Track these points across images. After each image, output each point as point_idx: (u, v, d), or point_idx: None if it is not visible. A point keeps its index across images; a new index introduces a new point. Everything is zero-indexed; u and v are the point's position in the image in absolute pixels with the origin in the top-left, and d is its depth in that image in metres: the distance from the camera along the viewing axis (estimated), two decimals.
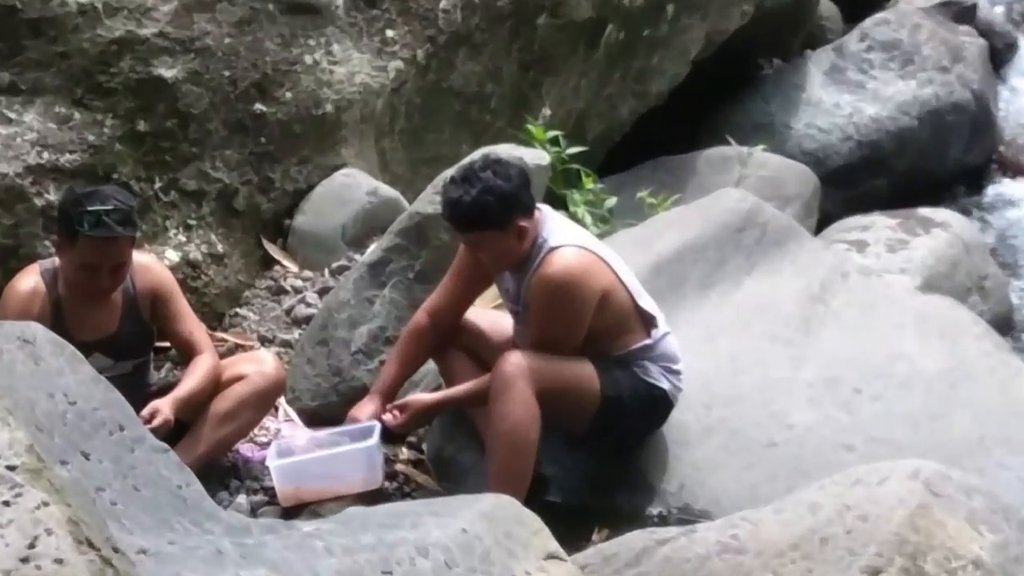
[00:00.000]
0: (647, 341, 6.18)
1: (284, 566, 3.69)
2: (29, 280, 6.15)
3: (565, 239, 6.05)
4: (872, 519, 4.78)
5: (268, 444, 6.48)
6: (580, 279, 5.97)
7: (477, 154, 6.62)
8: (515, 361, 5.89)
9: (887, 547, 4.70)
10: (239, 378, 6.30)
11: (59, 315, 6.04)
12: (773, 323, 7.16)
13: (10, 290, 6.19)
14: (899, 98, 10.70)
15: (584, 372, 6.06)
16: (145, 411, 5.68)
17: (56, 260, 6.19)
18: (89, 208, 5.86)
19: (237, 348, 7.27)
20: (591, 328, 6.03)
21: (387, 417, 6.16)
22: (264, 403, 6.46)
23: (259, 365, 6.42)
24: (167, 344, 6.64)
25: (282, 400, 6.79)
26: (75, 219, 5.88)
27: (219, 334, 7.44)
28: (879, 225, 9.52)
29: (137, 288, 6.23)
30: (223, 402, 6.25)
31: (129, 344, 6.29)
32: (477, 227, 5.96)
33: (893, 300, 7.63)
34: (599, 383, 6.05)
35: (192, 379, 6.18)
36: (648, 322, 6.19)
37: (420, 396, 6.33)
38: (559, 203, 7.73)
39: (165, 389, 6.22)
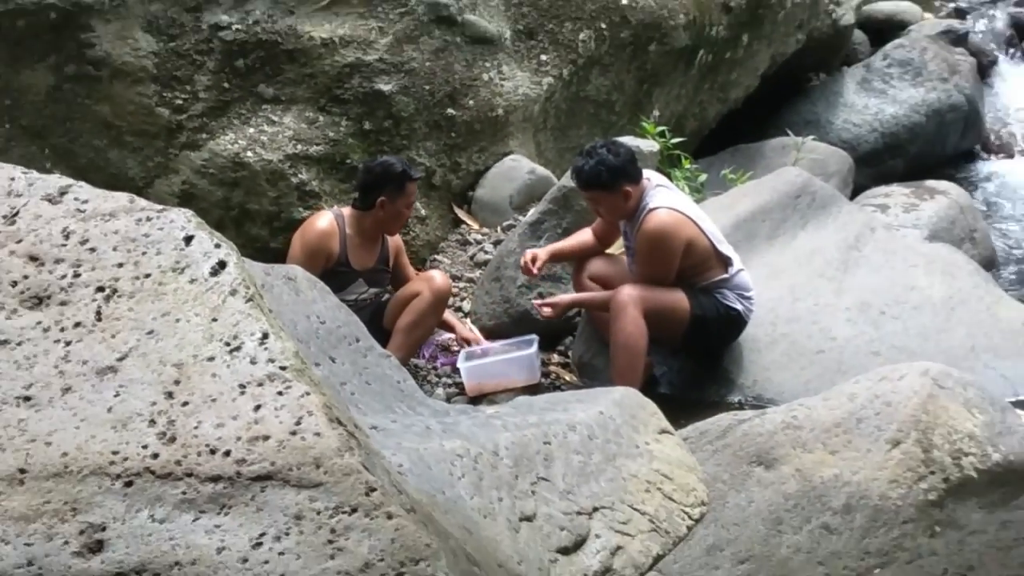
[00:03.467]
0: (724, 275, 7.41)
1: (473, 438, 4.01)
2: (325, 219, 7.69)
3: (661, 202, 7.26)
4: (894, 405, 5.60)
5: (459, 352, 7.84)
6: (669, 233, 7.21)
7: (599, 142, 7.64)
8: (627, 291, 7.12)
9: (905, 425, 5.52)
10: (415, 295, 7.52)
11: (343, 248, 7.54)
12: (820, 264, 8.29)
13: (309, 225, 7.72)
14: (911, 101, 11.82)
15: (677, 298, 7.28)
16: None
17: (340, 210, 7.83)
18: (409, 170, 7.67)
19: None
20: (681, 266, 7.27)
21: (545, 311, 7.57)
22: (437, 309, 7.66)
23: (428, 282, 7.60)
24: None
25: (467, 321, 8.14)
26: (406, 173, 7.62)
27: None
28: (897, 193, 10.40)
29: (387, 245, 7.79)
30: (407, 316, 7.50)
31: (377, 277, 7.79)
32: (591, 188, 7.34)
33: (908, 247, 8.73)
34: (689, 305, 7.32)
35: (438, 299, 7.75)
36: (726, 262, 7.42)
37: (564, 296, 7.67)
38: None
39: (390, 306, 7.77)
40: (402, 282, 7.82)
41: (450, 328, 7.86)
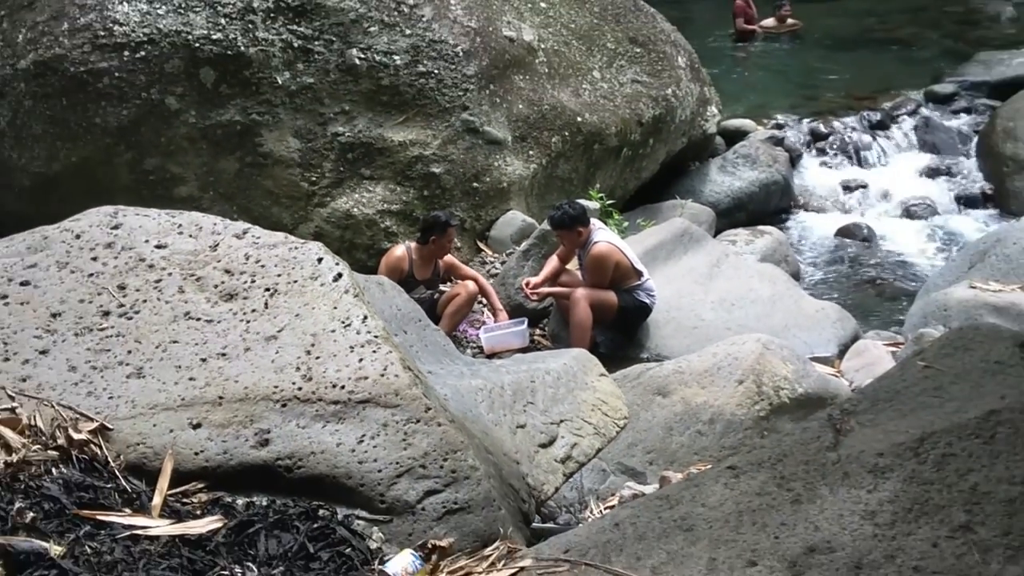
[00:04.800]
0: (638, 282, 7.32)
1: (488, 377, 4.06)
2: (399, 250, 7.72)
3: (601, 238, 7.28)
4: (740, 359, 5.61)
5: (481, 326, 7.79)
6: (605, 257, 7.20)
7: (564, 201, 7.75)
8: (580, 292, 7.17)
9: (746, 371, 5.55)
10: (457, 295, 7.59)
11: (410, 267, 7.57)
12: (695, 276, 8.11)
13: (390, 254, 7.77)
14: (750, 179, 11.43)
15: (610, 296, 7.23)
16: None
17: (409, 244, 7.79)
18: (449, 219, 7.76)
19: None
20: (612, 277, 7.24)
21: (533, 297, 7.56)
22: (470, 304, 7.75)
23: (464, 287, 7.62)
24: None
25: (486, 307, 7.97)
26: (448, 223, 7.60)
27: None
28: (741, 234, 10.14)
29: (439, 265, 7.78)
30: (451, 307, 7.57)
31: (433, 282, 7.76)
32: (559, 228, 7.32)
33: (747, 265, 8.60)
34: (617, 300, 7.27)
35: (488, 289, 7.85)
36: (639, 274, 7.33)
37: (543, 288, 7.51)
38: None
39: (440, 301, 7.67)
40: (460, 278, 7.88)
41: (495, 307, 7.79)
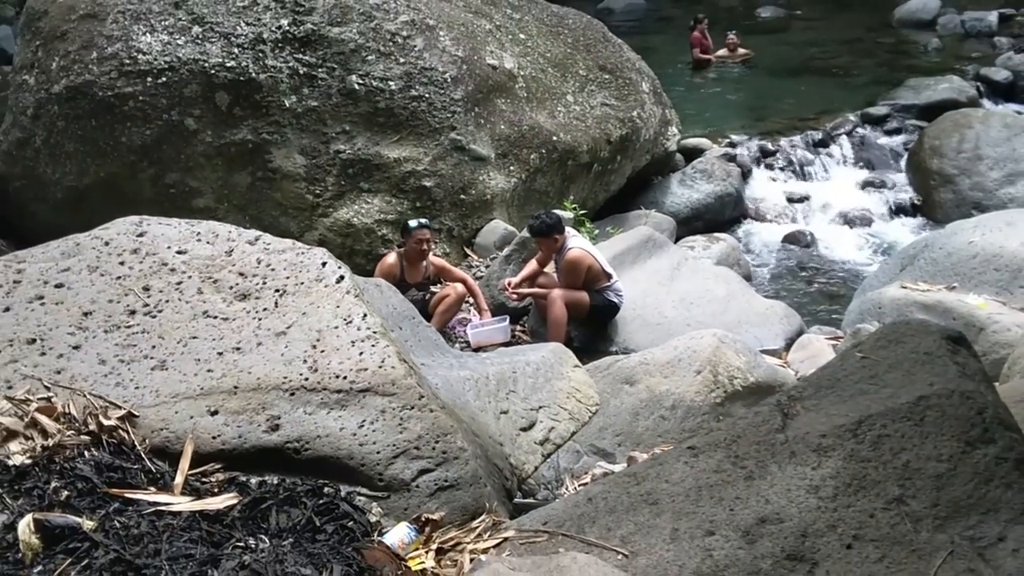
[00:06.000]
0: (608, 283, 7.24)
1: (474, 369, 4.04)
2: (392, 256, 7.56)
3: (575, 244, 7.23)
4: (698, 351, 5.53)
5: (468, 323, 7.60)
6: (578, 261, 7.13)
7: (542, 212, 7.68)
8: (556, 292, 7.10)
9: (704, 362, 5.47)
10: (447, 295, 7.47)
11: (401, 271, 7.43)
12: (658, 278, 7.99)
13: (384, 260, 7.59)
14: (707, 191, 11.52)
15: (583, 296, 7.15)
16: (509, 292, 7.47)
17: (399, 248, 7.62)
18: (412, 223, 7.51)
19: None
20: (584, 279, 7.16)
21: (514, 297, 7.52)
22: (459, 303, 7.61)
23: (454, 289, 7.50)
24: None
25: (473, 306, 7.83)
26: (408, 226, 7.42)
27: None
28: (699, 240, 10.17)
29: (430, 268, 7.63)
30: (442, 306, 7.45)
31: (424, 284, 7.61)
32: (537, 235, 7.26)
33: (704, 268, 8.48)
34: (589, 299, 7.18)
35: (476, 290, 7.72)
36: (609, 276, 7.25)
37: (523, 289, 7.47)
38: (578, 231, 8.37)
39: (432, 301, 7.53)
40: (450, 280, 7.75)
41: (480, 306, 7.69)
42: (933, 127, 12.17)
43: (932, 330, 2.95)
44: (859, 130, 12.92)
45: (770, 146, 12.51)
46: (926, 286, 7.00)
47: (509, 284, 7.54)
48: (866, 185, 12.07)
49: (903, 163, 12.34)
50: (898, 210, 11.68)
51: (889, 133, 12.94)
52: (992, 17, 17.86)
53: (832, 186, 12.12)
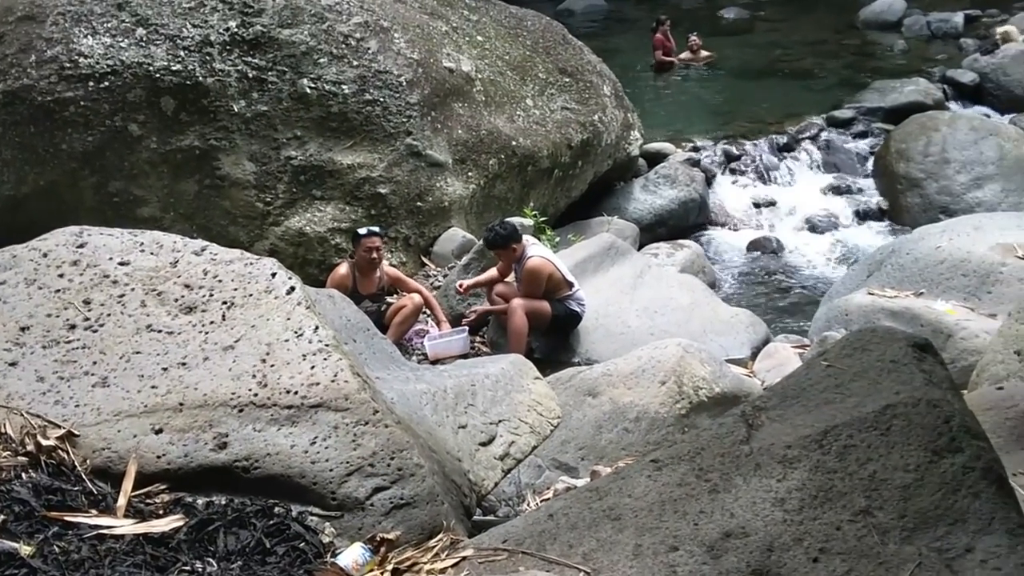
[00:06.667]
0: (569, 292, 7.27)
1: (432, 382, 4.01)
2: (343, 267, 7.55)
3: (534, 253, 7.25)
4: (662, 361, 5.57)
5: (425, 335, 7.59)
6: (539, 270, 7.15)
7: (496, 222, 7.68)
8: (516, 302, 7.09)
9: (668, 373, 5.53)
10: (404, 306, 7.45)
11: (354, 281, 7.42)
12: (621, 286, 8.00)
13: (336, 270, 7.59)
14: (670, 197, 11.50)
15: (544, 305, 7.17)
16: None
17: (351, 259, 7.59)
18: (361, 231, 7.52)
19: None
20: (545, 288, 7.18)
21: (471, 315, 7.51)
22: (416, 314, 7.57)
23: (411, 299, 7.48)
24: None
25: (430, 317, 7.83)
26: (357, 235, 7.51)
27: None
28: (663, 247, 10.23)
29: (384, 276, 7.60)
30: (398, 317, 7.43)
31: (378, 296, 7.57)
32: (494, 247, 7.31)
33: (668, 276, 8.53)
34: (550, 309, 7.20)
35: (432, 301, 7.72)
36: (570, 285, 7.27)
37: (481, 306, 7.56)
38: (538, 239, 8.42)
39: (388, 312, 7.50)
40: (406, 291, 7.69)
41: (438, 318, 7.68)
42: (899, 130, 12.33)
43: (898, 337, 2.98)
44: (825, 134, 13.06)
45: (735, 150, 12.61)
46: (893, 292, 7.08)
47: (461, 285, 7.55)
48: (832, 190, 12.21)
49: (869, 167, 12.49)
50: (865, 215, 11.81)
51: (855, 137, 13.09)
52: (958, 18, 18.10)
53: (798, 191, 12.23)
